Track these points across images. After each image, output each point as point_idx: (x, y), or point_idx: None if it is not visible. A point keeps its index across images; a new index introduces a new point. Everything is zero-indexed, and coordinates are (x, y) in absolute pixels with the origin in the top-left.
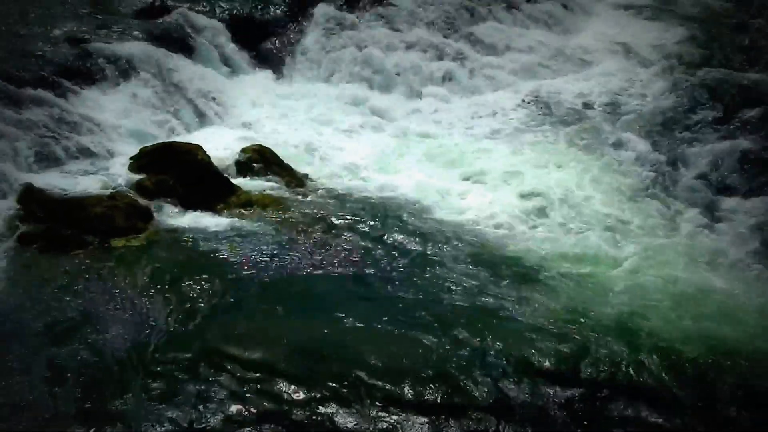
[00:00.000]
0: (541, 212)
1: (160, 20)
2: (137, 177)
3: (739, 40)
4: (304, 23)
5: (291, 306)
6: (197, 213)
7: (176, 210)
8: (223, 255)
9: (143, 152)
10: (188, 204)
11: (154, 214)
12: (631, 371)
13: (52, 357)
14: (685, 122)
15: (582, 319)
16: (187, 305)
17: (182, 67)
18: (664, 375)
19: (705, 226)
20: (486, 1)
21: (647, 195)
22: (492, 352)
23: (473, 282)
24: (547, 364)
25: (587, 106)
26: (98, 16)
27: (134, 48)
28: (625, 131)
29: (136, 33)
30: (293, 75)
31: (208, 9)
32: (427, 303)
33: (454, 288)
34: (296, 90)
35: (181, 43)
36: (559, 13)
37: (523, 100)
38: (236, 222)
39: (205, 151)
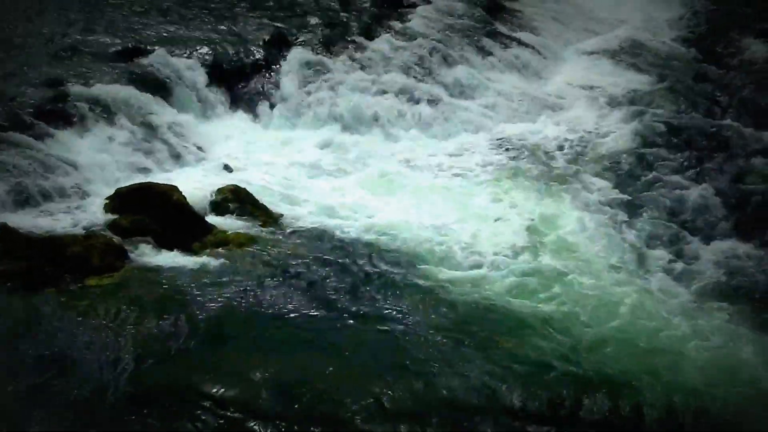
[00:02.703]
0: (513, 254)
1: (138, 62)
2: (113, 217)
3: (703, 86)
4: (280, 66)
5: (265, 344)
6: (173, 252)
7: (152, 249)
8: (198, 293)
9: (119, 193)
10: (164, 243)
11: (130, 254)
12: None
13: (23, 395)
14: (651, 165)
15: (547, 363)
16: (162, 343)
17: (159, 109)
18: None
19: (668, 270)
20: (459, 47)
21: (611, 236)
22: (464, 391)
23: (445, 321)
24: (514, 404)
25: (557, 148)
26: (75, 58)
27: (111, 90)
28: (592, 174)
29: (113, 75)
30: (269, 117)
31: (185, 52)
32: (403, 342)
33: (428, 327)
34: (272, 132)
35: (158, 86)
36: (531, 59)
37: (496, 143)
38: (211, 260)
39: (181, 192)
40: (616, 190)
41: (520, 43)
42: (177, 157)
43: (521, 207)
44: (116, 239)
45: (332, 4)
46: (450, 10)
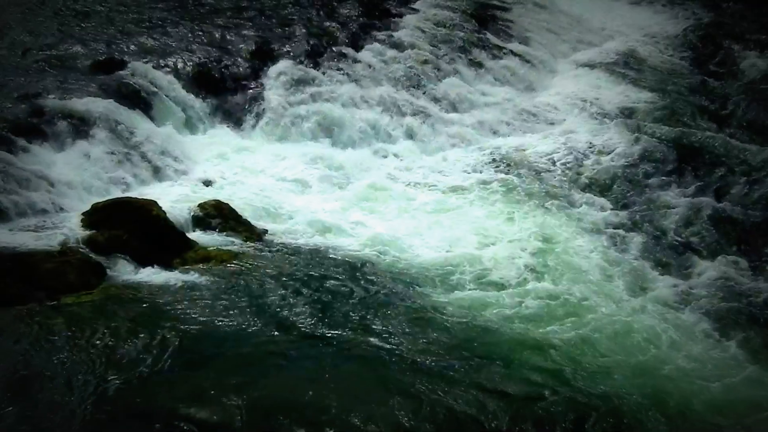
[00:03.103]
0: (507, 274)
1: (116, 75)
2: (89, 233)
3: (701, 100)
4: (266, 78)
5: (246, 366)
6: (152, 269)
7: (130, 266)
8: (178, 311)
9: (96, 208)
10: (143, 260)
11: (107, 270)
12: None
13: None
14: (649, 181)
15: (545, 389)
16: (138, 364)
17: (138, 122)
18: None
19: (669, 290)
20: (449, 59)
21: (609, 256)
22: (451, 420)
23: (437, 345)
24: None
25: (551, 163)
26: (52, 70)
27: (88, 104)
28: (588, 190)
29: (90, 88)
30: (254, 130)
31: (165, 63)
32: (391, 366)
33: (418, 350)
34: (256, 145)
35: (137, 98)
36: (523, 71)
37: (487, 158)
38: (192, 278)
39: (161, 207)
40: (613, 208)
41: (511, 54)
42: (157, 172)
43: (515, 225)
44: (93, 256)
45: (318, 14)
46: (440, 20)
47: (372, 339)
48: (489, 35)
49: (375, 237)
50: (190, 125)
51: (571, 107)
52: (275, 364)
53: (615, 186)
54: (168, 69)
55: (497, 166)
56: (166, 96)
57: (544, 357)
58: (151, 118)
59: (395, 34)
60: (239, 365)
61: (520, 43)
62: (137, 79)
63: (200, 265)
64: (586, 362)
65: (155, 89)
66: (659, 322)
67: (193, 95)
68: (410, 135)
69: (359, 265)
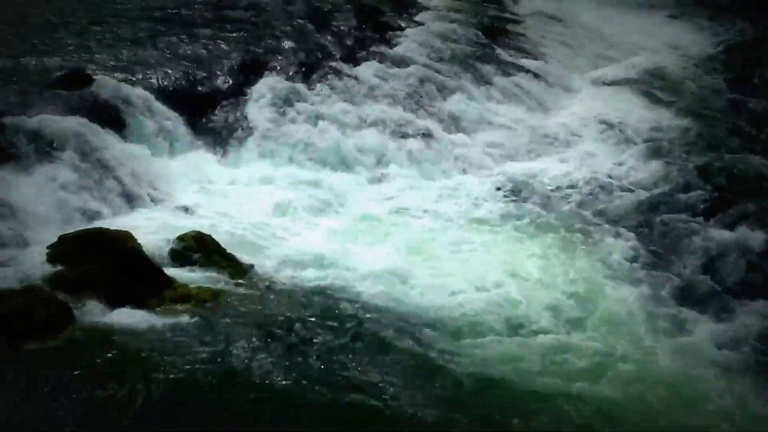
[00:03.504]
0: (517, 316)
1: (86, 91)
2: (57, 268)
3: (734, 122)
4: (251, 95)
5: (229, 418)
6: (125, 309)
7: (101, 306)
8: (154, 359)
9: (63, 240)
10: (115, 299)
11: (76, 311)
12: None
13: None
14: (677, 211)
15: None
16: (110, 417)
17: (110, 143)
18: None
19: (707, 337)
20: (455, 74)
21: (636, 296)
22: None
23: (441, 396)
24: None
25: (569, 191)
26: (13, 84)
27: (55, 122)
28: (611, 221)
29: (57, 105)
30: (238, 153)
31: (140, 78)
32: (387, 418)
33: (420, 402)
34: (241, 170)
35: (108, 117)
36: (537, 89)
37: (497, 185)
38: (170, 319)
39: (136, 239)
40: (639, 241)
41: (524, 70)
42: (131, 199)
43: (534, 264)
44: (60, 295)
45: (310, 25)
46: (444, 33)
47: (370, 389)
48: (499, 50)
49: (374, 273)
50: (168, 147)
51: (590, 129)
52: (260, 415)
53: (642, 218)
54: (144, 85)
55: (509, 194)
56: (142, 114)
57: (578, 416)
58: (125, 139)
59: (395, 48)
60: (221, 419)
61: (533, 58)
62: (110, 96)
63: (179, 306)
64: (615, 416)
65: (129, 107)
66: (700, 369)
67: (171, 113)
68: (411, 159)
69: (357, 305)
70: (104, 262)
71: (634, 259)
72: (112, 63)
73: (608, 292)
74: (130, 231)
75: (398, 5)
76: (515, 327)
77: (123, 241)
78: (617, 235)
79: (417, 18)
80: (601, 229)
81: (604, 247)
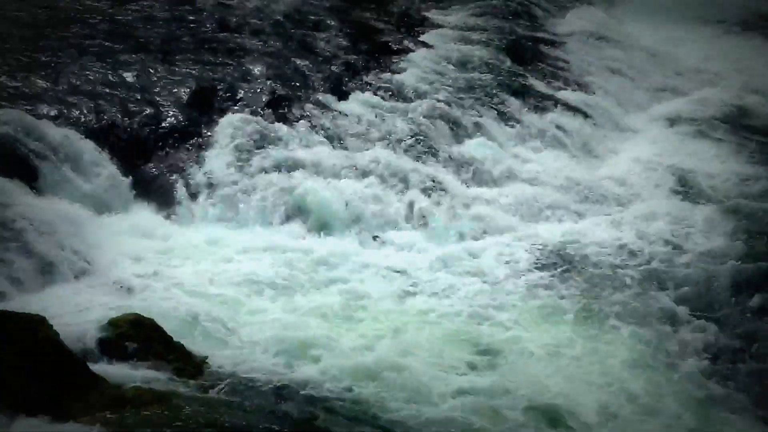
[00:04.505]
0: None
1: None
2: None
3: None
4: (209, 136)
5: None
6: (36, 420)
7: (4, 415)
8: None
9: None
10: (22, 404)
11: None
12: None
13: None
14: (761, 287)
15: None
16: None
17: (18, 197)
18: None
19: None
20: (473, 110)
21: (713, 399)
22: None
23: None
24: None
25: (621, 262)
26: None
27: None
28: (677, 301)
29: None
30: (191, 211)
31: (60, 113)
32: None
33: None
34: (194, 233)
35: (17, 163)
36: (581, 129)
37: (529, 253)
38: None
39: (51, 325)
40: (713, 326)
41: (564, 105)
42: (47, 271)
43: (565, 353)
44: None
45: (289, 45)
46: (460, 58)
47: None
48: (531, 79)
49: (364, 369)
50: (97, 203)
51: (649, 182)
52: None
53: (713, 294)
54: (66, 121)
55: (541, 267)
56: (62, 160)
57: None
58: (39, 192)
59: (396, 76)
60: None
61: (575, 89)
62: (18, 135)
63: (108, 413)
64: None
65: (46, 150)
66: None
67: (103, 159)
68: (417, 217)
69: (343, 410)
70: (9, 354)
71: (700, 350)
72: (23, 92)
73: (662, 391)
74: (44, 314)
75: (401, 22)
76: None
77: (33, 328)
78: (680, 321)
79: (424, 38)
80: (659, 312)
81: (662, 335)
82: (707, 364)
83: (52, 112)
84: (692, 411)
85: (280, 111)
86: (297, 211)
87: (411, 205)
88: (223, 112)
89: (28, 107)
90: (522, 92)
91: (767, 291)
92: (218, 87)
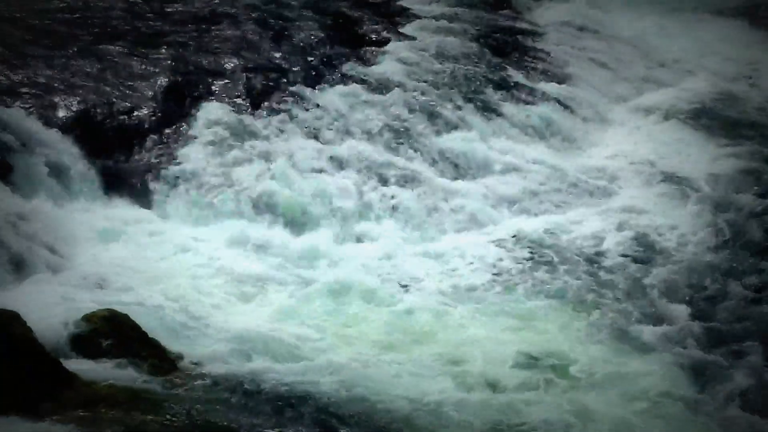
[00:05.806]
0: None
1: None
2: None
3: None
4: (184, 129)
5: None
6: (7, 418)
7: None
8: None
9: None
10: None
11: None
12: None
13: None
14: (744, 281)
15: None
16: None
17: None
18: None
19: None
20: (452, 102)
21: (695, 399)
22: None
23: None
24: None
25: (602, 255)
26: None
27: None
28: (659, 295)
29: None
30: (166, 205)
31: (33, 106)
32: None
33: None
34: (170, 227)
35: None
36: (563, 121)
37: (510, 246)
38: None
39: (24, 321)
40: (698, 320)
41: (545, 97)
42: (18, 266)
43: (543, 347)
44: None
45: (265, 36)
46: (440, 49)
47: None
48: (512, 71)
49: (344, 366)
50: (70, 197)
51: (632, 174)
52: None
53: (694, 289)
54: (40, 114)
55: (522, 260)
56: (34, 153)
57: None
58: (12, 187)
59: (374, 67)
60: None
61: (557, 81)
62: None
63: (81, 412)
64: None
65: (19, 144)
66: None
67: (76, 152)
68: (395, 212)
69: (321, 409)
70: None
71: (681, 345)
72: None
73: (643, 389)
74: (16, 310)
75: (379, 13)
76: None
77: (6, 324)
78: (662, 315)
79: (404, 29)
80: (640, 306)
81: (643, 328)
82: (686, 353)
83: (25, 105)
84: (669, 402)
85: (257, 103)
86: (273, 205)
87: (389, 198)
88: (198, 104)
89: (3, 100)
90: (502, 84)
91: (751, 281)
92: (193, 79)
